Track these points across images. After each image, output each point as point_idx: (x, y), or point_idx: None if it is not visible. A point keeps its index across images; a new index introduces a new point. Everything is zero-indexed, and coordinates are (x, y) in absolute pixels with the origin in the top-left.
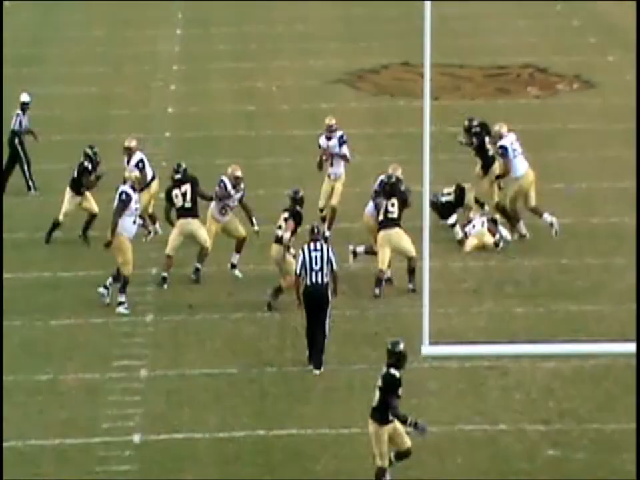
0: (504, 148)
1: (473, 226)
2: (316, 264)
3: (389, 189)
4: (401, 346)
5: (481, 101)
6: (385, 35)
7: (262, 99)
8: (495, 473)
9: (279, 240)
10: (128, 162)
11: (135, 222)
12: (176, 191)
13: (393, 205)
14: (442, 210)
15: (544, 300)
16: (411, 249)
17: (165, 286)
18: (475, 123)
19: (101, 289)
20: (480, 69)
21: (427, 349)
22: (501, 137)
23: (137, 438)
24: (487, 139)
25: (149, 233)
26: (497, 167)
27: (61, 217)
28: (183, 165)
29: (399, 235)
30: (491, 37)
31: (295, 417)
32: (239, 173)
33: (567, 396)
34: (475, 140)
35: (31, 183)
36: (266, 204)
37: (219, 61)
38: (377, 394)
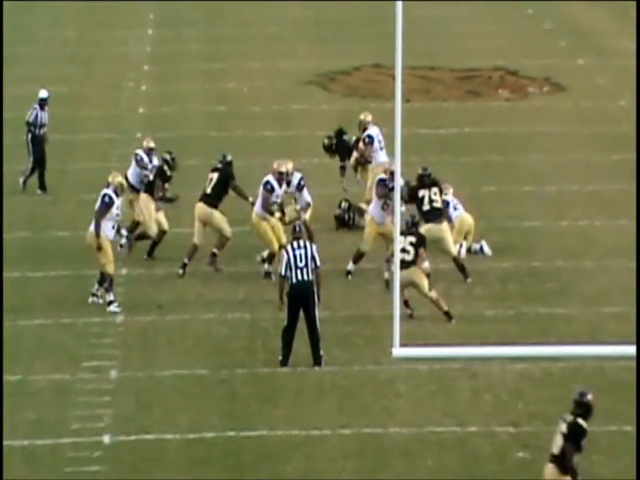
0: (370, 137)
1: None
2: (300, 261)
3: (429, 181)
4: (589, 396)
5: (451, 103)
6: (356, 37)
7: (233, 100)
8: (465, 475)
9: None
10: (150, 161)
11: (113, 227)
12: (209, 175)
13: (435, 194)
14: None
15: (514, 302)
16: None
17: (181, 271)
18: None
19: (91, 298)
20: (451, 72)
21: (397, 351)
22: (366, 127)
23: (106, 439)
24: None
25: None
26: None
27: (153, 228)
28: (228, 158)
29: (445, 231)
30: (462, 40)
31: (265, 418)
32: (283, 169)
33: (536, 398)
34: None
35: (22, 179)
36: (236, 204)
37: (190, 62)
38: (560, 441)
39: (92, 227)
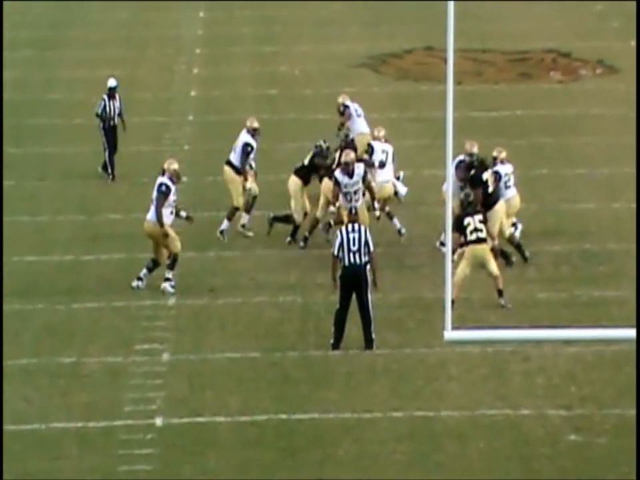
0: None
1: None
2: (354, 245)
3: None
4: None
5: (503, 85)
6: (408, 20)
7: (284, 82)
8: (517, 458)
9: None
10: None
11: (172, 212)
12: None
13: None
14: None
15: (566, 285)
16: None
17: (302, 244)
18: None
19: (135, 282)
20: (502, 54)
21: (449, 334)
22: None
23: (159, 421)
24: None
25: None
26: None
27: (297, 217)
28: (324, 145)
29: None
30: (514, 22)
31: (316, 401)
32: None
33: (588, 381)
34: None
35: (109, 170)
36: (284, 189)
37: (242, 45)
38: None
39: (150, 216)
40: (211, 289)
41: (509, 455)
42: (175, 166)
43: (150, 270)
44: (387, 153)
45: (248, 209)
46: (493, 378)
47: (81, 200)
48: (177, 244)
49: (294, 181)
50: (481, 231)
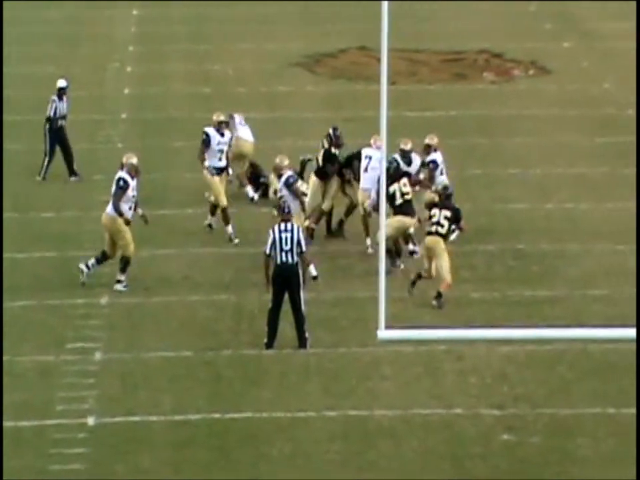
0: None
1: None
2: (286, 244)
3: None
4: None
5: (437, 85)
6: (342, 19)
7: (218, 81)
8: (450, 457)
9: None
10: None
11: (130, 207)
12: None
13: (405, 185)
14: None
15: (499, 285)
16: None
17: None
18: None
19: (82, 265)
20: (437, 54)
21: (383, 333)
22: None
23: (91, 420)
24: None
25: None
26: None
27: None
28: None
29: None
30: (448, 22)
31: (250, 400)
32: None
33: (521, 380)
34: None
35: (43, 172)
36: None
37: (176, 43)
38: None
39: (109, 209)
40: (144, 287)
41: (442, 454)
42: (134, 160)
43: (98, 261)
44: (370, 159)
45: (213, 212)
46: (426, 377)
47: (14, 198)
48: (130, 247)
49: (312, 181)
50: (442, 226)
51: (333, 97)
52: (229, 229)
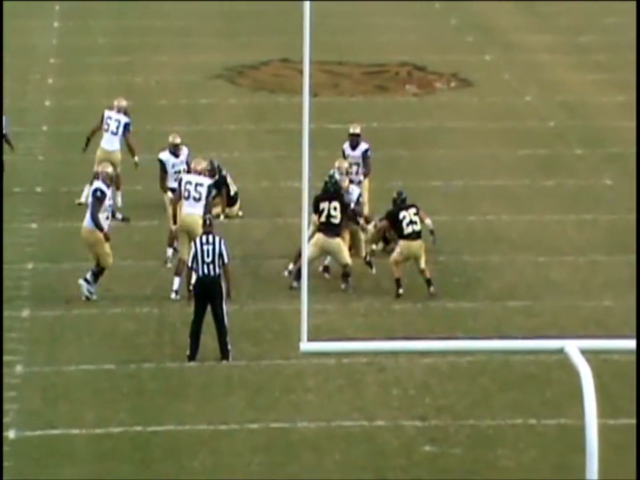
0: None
1: None
2: (208, 256)
3: (332, 189)
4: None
5: (359, 98)
6: (264, 31)
7: (140, 93)
8: (372, 469)
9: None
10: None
11: (107, 217)
12: None
13: (335, 208)
14: None
15: (421, 296)
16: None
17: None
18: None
19: (82, 282)
20: (359, 66)
21: (305, 345)
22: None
23: (12, 434)
24: None
25: None
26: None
27: None
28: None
29: (338, 246)
30: (370, 35)
31: (172, 413)
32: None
33: (443, 392)
34: None
35: None
36: (144, 199)
37: (97, 55)
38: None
39: (86, 222)
40: (66, 300)
41: (364, 466)
42: (109, 169)
43: (95, 275)
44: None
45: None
46: (348, 389)
47: None
48: (109, 259)
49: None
50: (415, 223)
51: (255, 109)
52: (169, 251)
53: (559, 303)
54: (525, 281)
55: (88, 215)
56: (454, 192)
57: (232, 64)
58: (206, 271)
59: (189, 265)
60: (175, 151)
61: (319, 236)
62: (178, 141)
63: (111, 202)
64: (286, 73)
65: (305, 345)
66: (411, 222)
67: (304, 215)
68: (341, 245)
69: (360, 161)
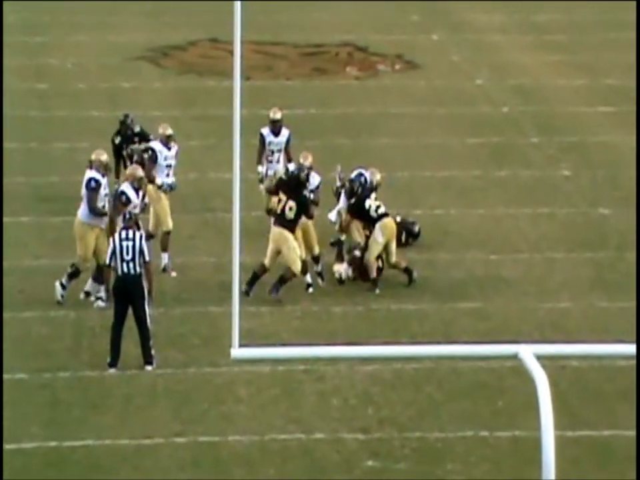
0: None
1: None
2: (127, 254)
3: (295, 184)
4: None
5: (296, 81)
6: (192, 9)
7: (55, 76)
8: None
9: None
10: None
11: (103, 206)
12: None
13: (290, 209)
14: None
15: (363, 298)
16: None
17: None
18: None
19: (57, 284)
20: (295, 47)
21: (237, 352)
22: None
23: None
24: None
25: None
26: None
27: None
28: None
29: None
30: (307, 13)
31: (91, 426)
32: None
33: (387, 402)
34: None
35: None
36: (60, 191)
37: (8, 35)
38: None
39: (81, 215)
40: None
41: None
42: (103, 157)
43: (96, 279)
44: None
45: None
46: (284, 399)
47: None
48: (104, 256)
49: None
50: (380, 206)
51: (182, 93)
52: (165, 257)
53: (513, 304)
54: (475, 280)
55: (82, 207)
56: (398, 184)
57: (156, 44)
58: (125, 269)
59: (107, 262)
60: (167, 143)
61: (274, 229)
62: (169, 132)
63: (107, 191)
64: (215, 54)
65: (236, 351)
66: (378, 206)
67: (235, 210)
68: (291, 248)
69: (282, 147)
